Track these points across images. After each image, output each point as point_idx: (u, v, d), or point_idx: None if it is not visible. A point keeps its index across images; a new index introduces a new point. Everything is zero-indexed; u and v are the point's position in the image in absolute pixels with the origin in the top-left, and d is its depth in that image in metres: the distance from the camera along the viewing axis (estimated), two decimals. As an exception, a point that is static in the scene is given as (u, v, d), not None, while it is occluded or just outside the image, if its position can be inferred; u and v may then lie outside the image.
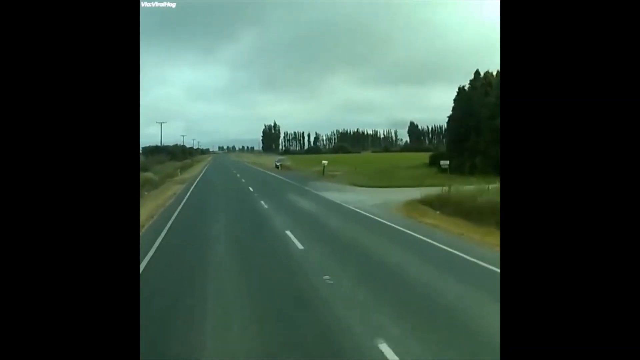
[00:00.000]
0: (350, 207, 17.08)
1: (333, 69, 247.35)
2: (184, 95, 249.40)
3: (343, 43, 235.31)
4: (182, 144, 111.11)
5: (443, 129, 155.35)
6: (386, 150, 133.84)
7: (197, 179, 37.31)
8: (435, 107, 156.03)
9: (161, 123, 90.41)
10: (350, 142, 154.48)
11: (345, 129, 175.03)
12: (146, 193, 24.07)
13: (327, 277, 7.41)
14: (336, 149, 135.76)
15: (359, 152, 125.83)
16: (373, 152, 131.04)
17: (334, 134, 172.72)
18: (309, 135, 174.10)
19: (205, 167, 61.49)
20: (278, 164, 57.87)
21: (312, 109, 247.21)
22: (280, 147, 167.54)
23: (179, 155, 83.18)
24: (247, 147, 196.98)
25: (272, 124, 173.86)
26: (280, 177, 38.26)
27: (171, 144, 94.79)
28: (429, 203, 15.86)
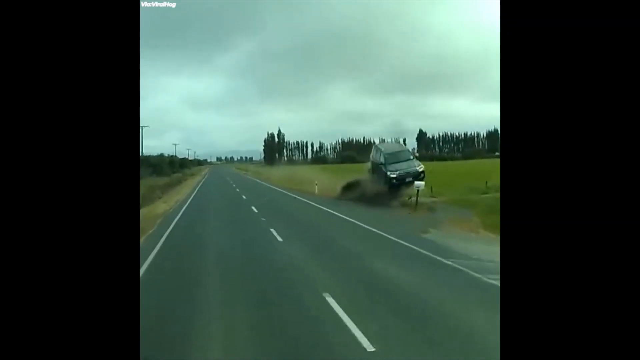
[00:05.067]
0: None
1: (333, 78, 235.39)
2: (181, 105, 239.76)
3: (343, 52, 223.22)
4: (174, 154, 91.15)
5: (454, 136, 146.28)
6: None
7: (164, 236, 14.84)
8: (439, 115, 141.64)
9: (142, 127, 62.64)
10: (356, 151, 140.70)
11: (350, 138, 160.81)
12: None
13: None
14: (343, 159, 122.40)
15: (367, 162, 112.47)
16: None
17: (338, 143, 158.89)
18: (312, 145, 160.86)
19: (197, 188, 41.58)
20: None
21: (313, 118, 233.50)
22: (284, 157, 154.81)
23: (166, 168, 63.14)
24: (246, 158, 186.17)
25: (277, 132, 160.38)
26: (344, 217, 18.41)
27: (162, 155, 74.57)
28: None
